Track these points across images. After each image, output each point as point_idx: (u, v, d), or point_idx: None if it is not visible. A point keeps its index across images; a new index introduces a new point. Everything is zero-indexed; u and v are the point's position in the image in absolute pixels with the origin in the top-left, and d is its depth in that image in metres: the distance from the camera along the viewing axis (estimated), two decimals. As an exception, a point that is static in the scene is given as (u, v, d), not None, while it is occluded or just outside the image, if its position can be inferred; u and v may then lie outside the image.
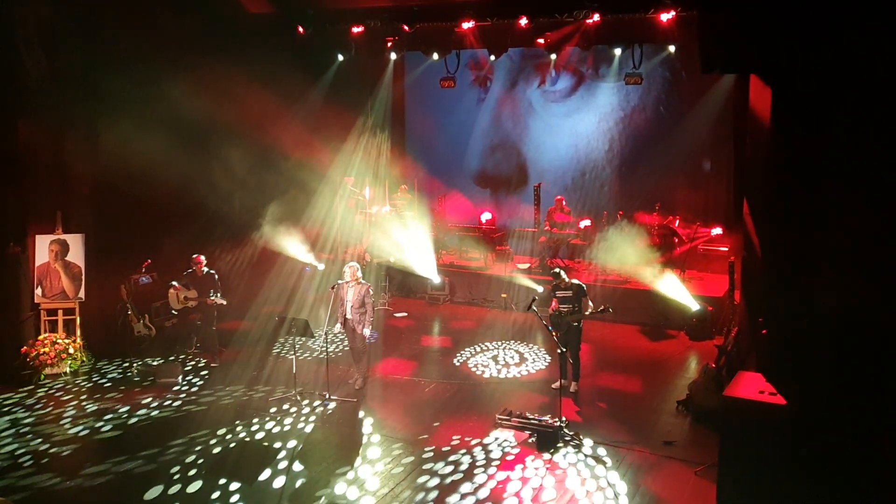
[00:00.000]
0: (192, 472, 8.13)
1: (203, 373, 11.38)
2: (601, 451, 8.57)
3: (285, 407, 9.96)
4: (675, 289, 13.26)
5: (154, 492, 7.72)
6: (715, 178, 15.54)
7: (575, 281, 10.51)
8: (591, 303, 10.35)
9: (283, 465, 8.31)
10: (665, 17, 12.42)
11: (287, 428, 9.31)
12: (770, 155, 7.77)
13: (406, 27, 14.58)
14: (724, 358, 9.63)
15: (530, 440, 8.81)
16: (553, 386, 10.29)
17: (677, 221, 14.88)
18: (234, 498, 7.60)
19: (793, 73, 6.99)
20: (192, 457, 8.51)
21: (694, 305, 12.98)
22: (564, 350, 9.76)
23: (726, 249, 14.29)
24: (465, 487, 7.76)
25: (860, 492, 6.37)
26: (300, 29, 15.27)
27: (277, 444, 8.84)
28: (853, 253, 6.57)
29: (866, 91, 6.46)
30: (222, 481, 7.91)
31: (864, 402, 6.39)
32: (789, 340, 7.01)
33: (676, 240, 14.38)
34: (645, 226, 14.87)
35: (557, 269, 10.66)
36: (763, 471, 6.67)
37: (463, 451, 8.60)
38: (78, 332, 11.67)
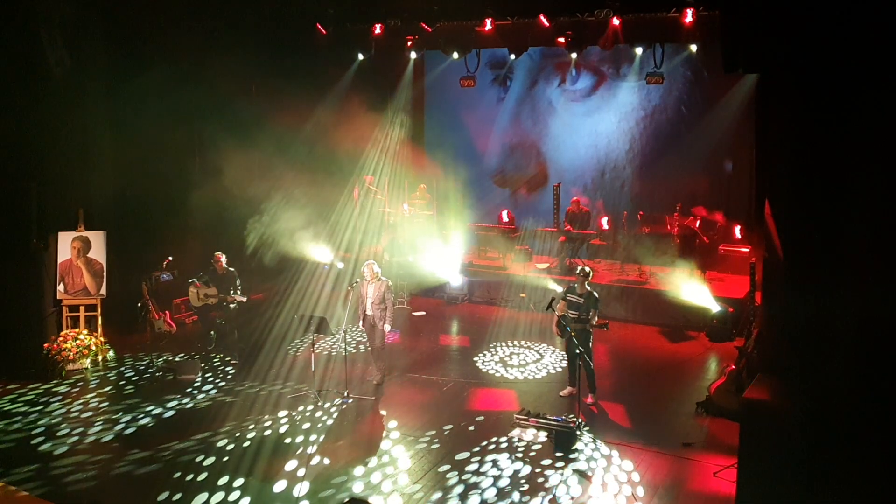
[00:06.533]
0: (210, 469, 8.18)
1: (223, 370, 11.46)
2: (619, 451, 8.53)
3: (304, 404, 10.00)
4: (695, 290, 13.17)
5: (167, 490, 7.78)
6: (736, 179, 15.43)
7: (591, 289, 9.87)
8: (596, 317, 9.75)
9: (301, 462, 8.34)
10: (687, 16, 12.33)
11: (306, 425, 9.34)
12: (792, 156, 7.70)
13: (426, 26, 14.58)
14: (745, 360, 9.55)
15: (548, 440, 8.78)
16: (561, 394, 10.24)
17: (698, 222, 14.77)
18: (251, 495, 7.63)
19: (816, 72, 6.91)
20: (210, 454, 8.55)
21: (714, 307, 12.88)
22: (577, 355, 9.61)
23: (747, 250, 14.19)
24: (482, 486, 7.74)
25: (880, 495, 6.29)
26: (321, 28, 15.32)
27: (297, 440, 8.88)
28: (875, 254, 6.49)
29: (890, 90, 6.37)
30: (239, 478, 7.95)
31: (885, 405, 6.31)
32: (810, 342, 6.93)
33: (697, 240, 14.27)
34: (665, 226, 14.80)
35: (589, 270, 9.95)
36: (782, 473, 6.60)
37: (480, 449, 8.58)
38: (99, 329, 11.80)
